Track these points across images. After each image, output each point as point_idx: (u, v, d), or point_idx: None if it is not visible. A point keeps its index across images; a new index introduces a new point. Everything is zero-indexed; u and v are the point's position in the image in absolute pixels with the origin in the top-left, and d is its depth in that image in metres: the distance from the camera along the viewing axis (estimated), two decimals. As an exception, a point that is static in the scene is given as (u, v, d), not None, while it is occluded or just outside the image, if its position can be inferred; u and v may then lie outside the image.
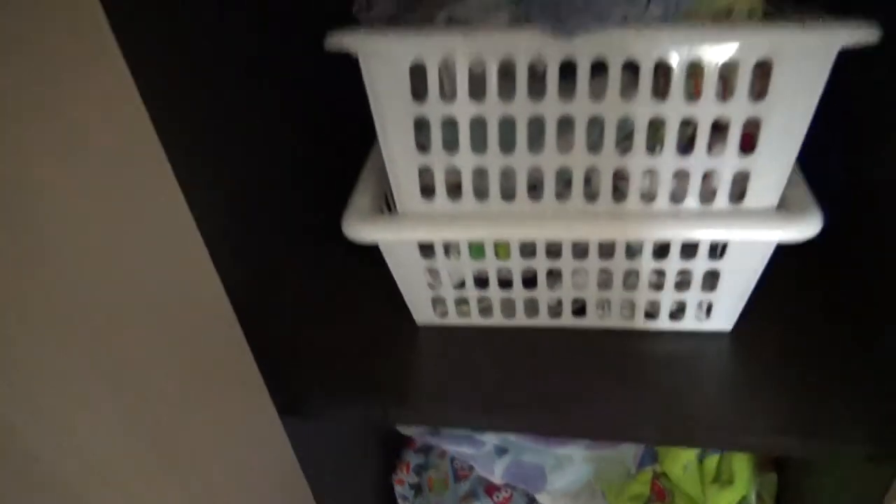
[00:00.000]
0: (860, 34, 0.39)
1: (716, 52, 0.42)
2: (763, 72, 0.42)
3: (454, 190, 0.50)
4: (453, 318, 0.60)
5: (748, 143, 0.46)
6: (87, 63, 0.30)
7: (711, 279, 0.53)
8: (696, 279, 0.53)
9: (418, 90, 0.46)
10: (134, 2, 0.38)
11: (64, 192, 0.29)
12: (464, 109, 0.46)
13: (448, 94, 0.46)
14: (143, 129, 0.34)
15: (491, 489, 0.86)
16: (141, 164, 0.34)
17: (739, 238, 0.49)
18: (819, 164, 0.50)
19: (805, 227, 0.46)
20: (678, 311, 0.57)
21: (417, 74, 0.45)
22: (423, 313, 0.60)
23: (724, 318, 0.56)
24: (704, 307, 0.56)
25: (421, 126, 0.47)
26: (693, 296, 0.55)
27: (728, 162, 0.46)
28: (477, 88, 0.45)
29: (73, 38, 0.29)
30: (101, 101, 0.31)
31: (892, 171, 0.55)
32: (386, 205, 0.56)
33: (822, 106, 0.43)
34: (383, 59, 0.44)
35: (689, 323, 0.57)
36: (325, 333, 0.61)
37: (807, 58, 0.41)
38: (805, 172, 0.50)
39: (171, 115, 0.37)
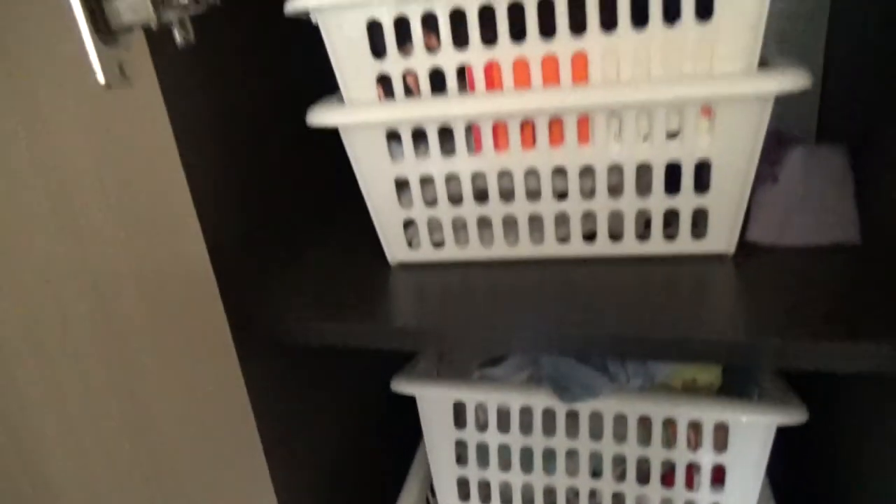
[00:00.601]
0: (791, 417, 0.53)
1: (682, 415, 0.55)
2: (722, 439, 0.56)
3: (485, 495, 0.63)
4: None
5: (719, 478, 0.58)
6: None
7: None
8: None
9: (460, 422, 0.61)
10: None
11: None
12: (493, 438, 0.60)
13: (481, 424, 0.61)
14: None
15: None
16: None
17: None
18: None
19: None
20: None
21: (460, 410, 0.60)
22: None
23: None
24: None
25: (460, 446, 0.61)
26: None
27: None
28: (504, 421, 0.60)
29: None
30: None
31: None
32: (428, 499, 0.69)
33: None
34: (433, 399, 0.60)
35: None
36: None
37: (753, 426, 0.54)
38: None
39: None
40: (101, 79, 0.37)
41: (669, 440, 0.57)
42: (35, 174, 0.37)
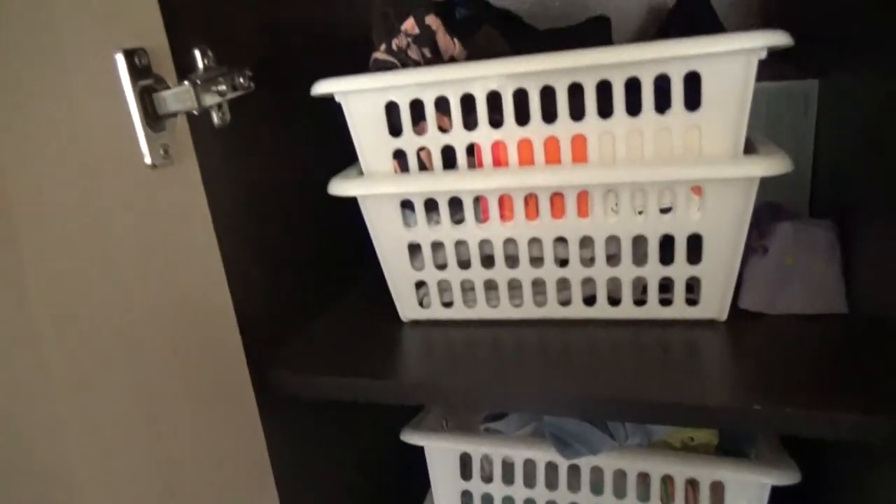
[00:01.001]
0: (785, 478, 0.55)
1: (679, 473, 0.57)
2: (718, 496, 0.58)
3: (489, 543, 0.65)
4: None
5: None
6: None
7: None
8: None
9: (466, 473, 0.63)
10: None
11: None
12: (498, 490, 0.63)
13: (487, 476, 0.63)
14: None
15: None
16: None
17: None
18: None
19: None
20: None
21: (466, 462, 0.63)
22: None
23: None
24: None
25: (466, 496, 0.64)
26: None
27: (700, 553, 0.59)
28: (508, 473, 0.62)
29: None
30: None
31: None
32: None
33: None
34: (441, 450, 0.63)
35: None
36: None
37: (748, 485, 0.56)
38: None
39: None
40: (148, 160, 0.42)
41: (668, 496, 0.59)
42: (90, 243, 0.42)
